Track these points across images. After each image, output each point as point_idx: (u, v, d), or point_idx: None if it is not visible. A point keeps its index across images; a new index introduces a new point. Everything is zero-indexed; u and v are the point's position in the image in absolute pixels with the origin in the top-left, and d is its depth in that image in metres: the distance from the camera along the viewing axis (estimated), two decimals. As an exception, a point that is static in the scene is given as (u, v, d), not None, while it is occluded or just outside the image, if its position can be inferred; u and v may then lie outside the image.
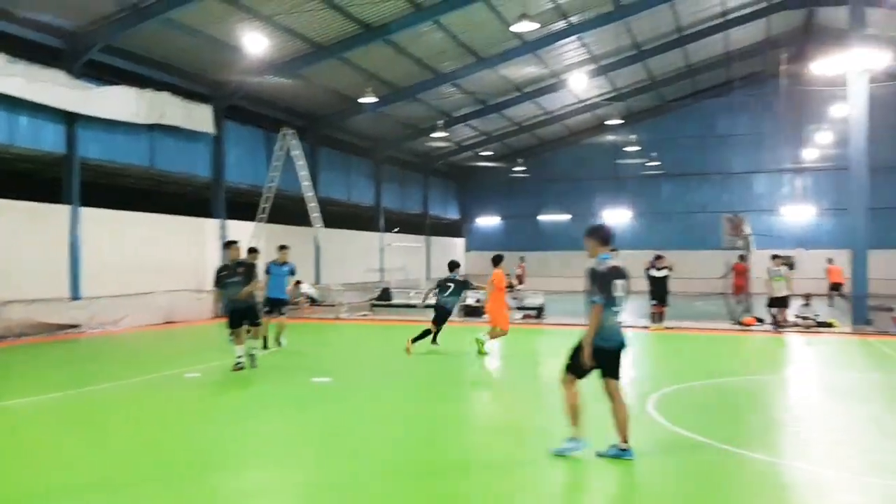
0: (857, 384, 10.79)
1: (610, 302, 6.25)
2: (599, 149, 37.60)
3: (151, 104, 18.58)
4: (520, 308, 21.61)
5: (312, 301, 22.79)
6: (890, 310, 16.86)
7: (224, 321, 11.16)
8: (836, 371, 12.16)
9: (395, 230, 33.79)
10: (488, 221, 41.59)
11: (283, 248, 14.15)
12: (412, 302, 22.86)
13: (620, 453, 6.23)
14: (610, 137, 36.71)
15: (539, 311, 21.26)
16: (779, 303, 17.67)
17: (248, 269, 11.25)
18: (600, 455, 6.28)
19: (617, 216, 38.43)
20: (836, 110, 27.24)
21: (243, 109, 23.15)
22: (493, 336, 13.23)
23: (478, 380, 11.70)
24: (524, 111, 32.56)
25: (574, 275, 37.16)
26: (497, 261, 13.52)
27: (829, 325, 17.71)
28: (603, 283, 6.26)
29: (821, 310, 18.43)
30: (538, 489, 5.73)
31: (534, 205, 39.93)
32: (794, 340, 15.96)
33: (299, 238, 25.67)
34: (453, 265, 14.82)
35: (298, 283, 23.15)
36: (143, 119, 18.40)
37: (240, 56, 19.12)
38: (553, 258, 38.54)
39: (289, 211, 24.99)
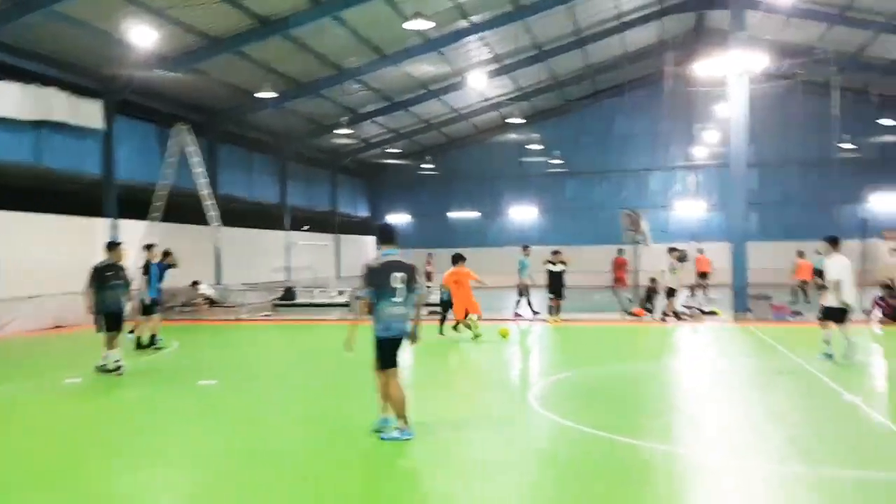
0: (737, 370, 11.41)
1: (387, 294, 6.60)
2: (506, 147, 38.24)
3: (37, 99, 17.73)
4: (426, 305, 21.79)
5: (211, 302, 22.26)
6: (768, 298, 17.89)
7: (97, 325, 10.79)
8: (717, 358, 12.82)
9: (305, 228, 33.35)
10: (398, 219, 41.60)
11: (149, 247, 14.44)
12: (317, 301, 22.73)
13: (402, 434, 6.64)
14: (515, 136, 37.40)
15: (444, 307, 21.44)
16: (671, 294, 18.49)
17: (124, 273, 11.16)
18: (384, 438, 6.67)
19: (523, 213, 39.27)
20: (721, 110, 28.65)
21: (136, 104, 22.33)
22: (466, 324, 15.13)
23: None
24: (431, 109, 32.76)
25: (482, 271, 37.82)
26: (457, 259, 15.68)
27: (714, 313, 18.65)
28: (372, 277, 6.67)
29: (702, 300, 19.33)
30: (401, 483, 5.84)
31: (443, 202, 40.25)
32: (681, 329, 16.73)
33: (198, 237, 25.04)
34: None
35: (196, 283, 22.67)
36: (28, 115, 17.55)
37: (131, 50, 18.42)
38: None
39: (187, 209, 24.28)
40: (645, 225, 35.62)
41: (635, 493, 5.35)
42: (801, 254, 22.22)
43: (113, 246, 11.37)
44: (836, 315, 10.96)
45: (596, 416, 7.72)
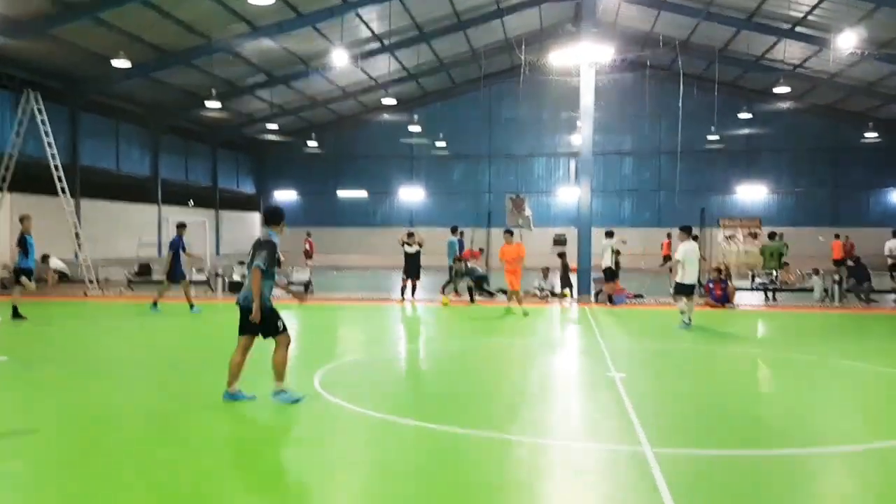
0: (533, 348, 11.89)
1: (271, 269, 7.14)
2: (394, 127, 38.26)
3: None
4: (288, 283, 21.64)
5: (62, 276, 21.39)
6: (612, 281, 18.61)
7: None
8: (521, 335, 13.25)
9: (190, 203, 32.44)
10: (285, 196, 41.00)
11: (23, 219, 14.48)
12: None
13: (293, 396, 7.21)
14: (402, 117, 37.44)
15: (306, 287, 21.36)
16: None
17: None
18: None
19: (412, 194, 39.42)
20: (598, 98, 29.57)
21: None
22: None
23: (188, 357, 11.56)
24: (316, 86, 32.36)
25: (369, 251, 38.01)
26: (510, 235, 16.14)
27: (564, 295, 19.33)
28: (269, 252, 7.08)
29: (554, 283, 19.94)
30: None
31: (332, 181, 39.93)
32: (519, 310, 17.22)
33: (49, 209, 23.96)
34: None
35: (46, 257, 21.68)
36: None
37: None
38: (350, 234, 38.93)
39: (44, 180, 23.20)
40: (528, 209, 36.58)
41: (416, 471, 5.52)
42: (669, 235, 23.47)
43: None
44: (686, 290, 13.15)
45: (380, 400, 7.89)
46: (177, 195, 32.39)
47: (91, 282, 20.83)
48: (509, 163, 38.25)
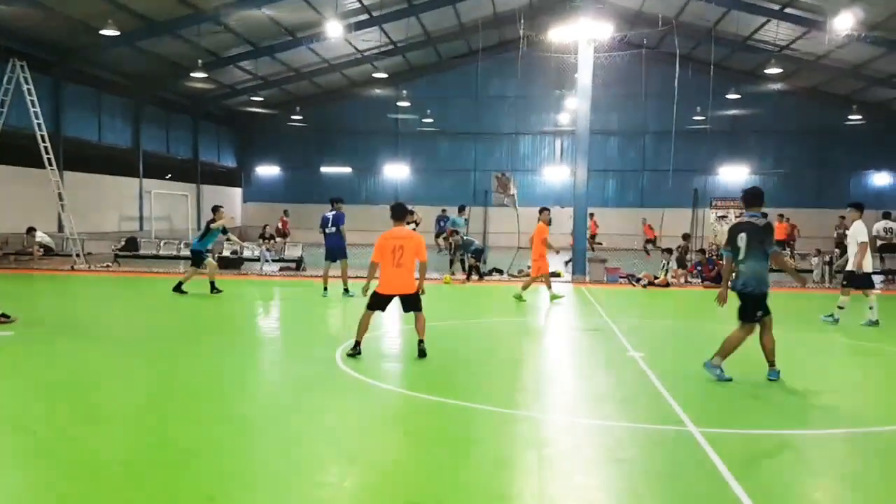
0: (549, 327, 11.92)
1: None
2: (380, 102, 37.82)
3: None
4: (277, 260, 21.43)
5: (48, 250, 20.96)
6: (604, 261, 18.75)
7: None
8: (535, 316, 13.28)
9: (167, 177, 31.90)
10: (268, 171, 40.46)
11: None
12: (162, 253, 21.87)
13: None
14: (389, 92, 37.04)
15: (298, 264, 21.18)
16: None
17: None
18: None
19: (397, 171, 39.10)
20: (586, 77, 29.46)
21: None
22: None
23: (201, 332, 11.39)
24: (301, 57, 31.78)
25: (354, 228, 37.53)
26: (543, 212, 14.26)
27: (557, 274, 19.36)
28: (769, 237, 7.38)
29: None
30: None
31: (316, 156, 39.38)
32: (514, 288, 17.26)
33: (32, 180, 23.47)
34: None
35: (32, 230, 21.26)
36: None
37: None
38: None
39: (27, 151, 22.61)
40: (514, 188, 36.53)
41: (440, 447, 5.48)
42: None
43: None
44: (865, 282, 11.73)
45: (401, 377, 7.86)
46: (158, 168, 31.80)
47: (78, 255, 20.40)
48: (495, 141, 38.07)
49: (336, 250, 14.81)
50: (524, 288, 14.55)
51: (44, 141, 20.24)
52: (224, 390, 7.16)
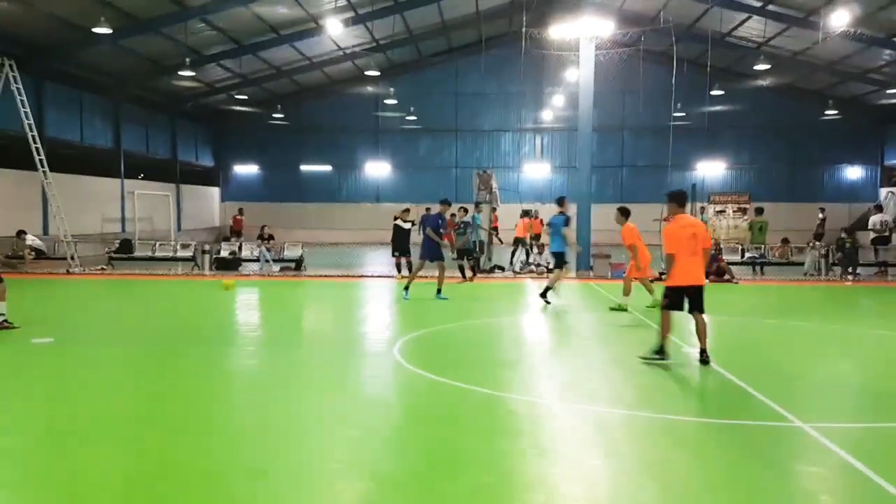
0: (579, 324, 12.06)
1: None
2: (360, 100, 37.63)
3: None
4: (277, 260, 21.22)
5: (38, 254, 20.41)
6: (608, 257, 18.99)
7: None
8: (565, 312, 13.42)
9: (140, 176, 31.26)
10: (246, 170, 39.91)
11: None
12: (158, 255, 21.48)
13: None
14: (370, 89, 36.86)
15: (298, 264, 21.01)
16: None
17: None
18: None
19: (377, 169, 38.94)
20: (569, 74, 29.75)
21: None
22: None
23: (225, 334, 11.26)
24: (282, 55, 31.43)
25: (338, 226, 37.45)
26: (625, 214, 12.82)
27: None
28: None
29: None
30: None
31: (294, 154, 38.95)
32: (529, 286, 17.43)
33: (21, 183, 22.86)
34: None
35: (22, 233, 20.70)
36: None
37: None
38: (314, 209, 38.26)
39: (8, 153, 22.00)
40: (495, 185, 36.67)
41: (501, 440, 5.52)
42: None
43: None
44: None
45: (458, 371, 7.87)
46: (138, 168, 31.15)
47: (72, 258, 19.91)
48: (476, 138, 38.19)
49: (436, 251, 14.50)
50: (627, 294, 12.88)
51: (35, 142, 19.70)
52: (345, 398, 7.12)
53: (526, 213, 22.59)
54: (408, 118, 37.27)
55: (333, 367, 8.41)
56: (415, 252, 18.68)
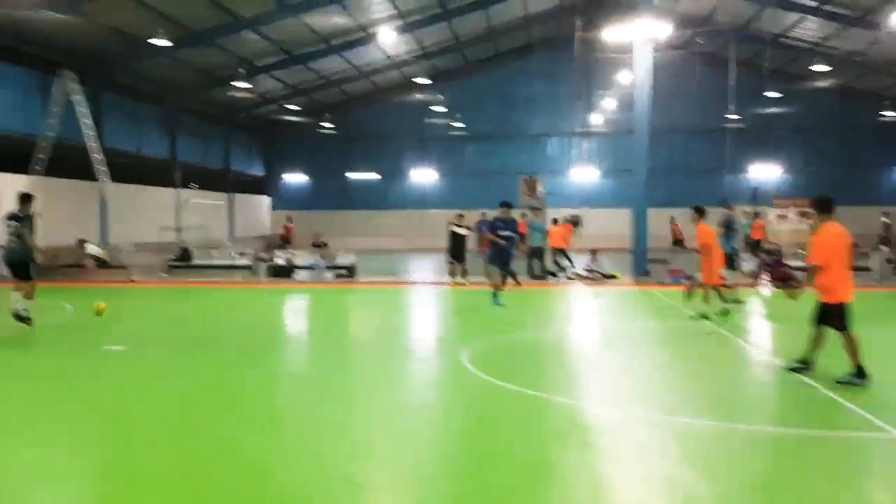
0: (643, 331, 11.85)
1: None
2: (406, 108, 37.82)
3: None
4: (331, 267, 21.35)
5: (100, 262, 20.91)
6: (666, 262, 18.67)
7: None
8: (622, 319, 13.25)
9: (192, 185, 31.79)
10: (295, 179, 40.43)
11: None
12: (217, 263, 21.82)
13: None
14: (416, 97, 37.03)
15: (351, 270, 21.11)
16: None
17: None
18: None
19: (423, 175, 39.06)
20: (622, 77, 29.40)
21: (13, 49, 20.36)
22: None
23: (293, 341, 11.37)
24: (332, 65, 31.78)
25: (384, 233, 37.66)
26: (701, 213, 11.89)
27: (614, 276, 19.31)
28: None
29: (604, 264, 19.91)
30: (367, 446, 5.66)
31: (342, 162, 39.29)
32: (585, 291, 17.25)
33: (82, 193, 23.44)
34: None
35: (83, 242, 21.24)
36: None
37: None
38: (361, 217, 38.52)
39: (71, 163, 22.58)
40: (541, 190, 36.43)
41: (574, 450, 5.42)
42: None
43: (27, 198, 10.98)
44: None
45: (532, 379, 7.79)
46: (193, 177, 31.71)
47: (132, 267, 20.34)
48: (522, 142, 37.99)
49: (503, 256, 14.37)
50: (724, 300, 12.29)
51: (96, 153, 20.20)
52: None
53: (574, 222, 22.05)
54: (454, 124, 37.28)
55: (409, 377, 8.40)
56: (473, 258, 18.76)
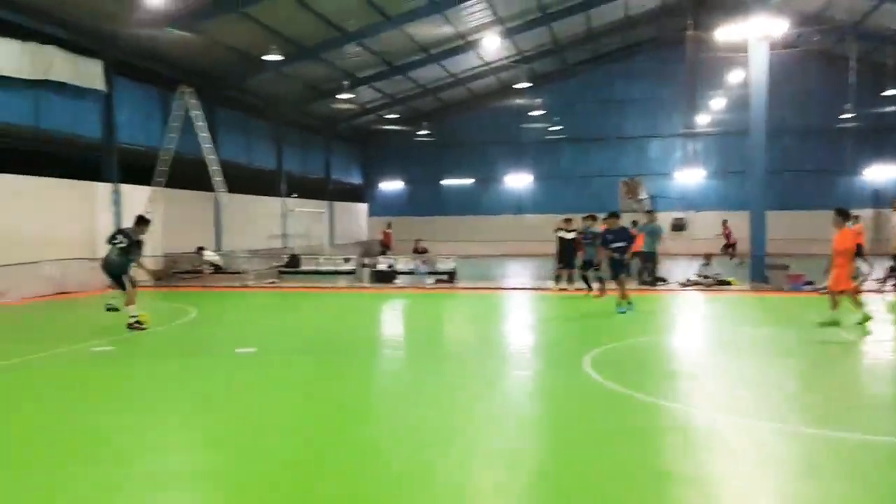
0: (764, 338, 11.32)
1: None
2: (502, 113, 37.80)
3: (36, 58, 16.97)
4: (431, 273, 21.53)
5: (216, 268, 21.83)
6: (786, 268, 17.83)
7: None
8: (742, 326, 12.71)
9: (293, 195, 32.81)
10: (391, 186, 41.08)
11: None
12: (322, 268, 22.38)
13: None
14: (515, 101, 36.95)
15: (451, 276, 21.21)
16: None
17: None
18: None
19: (518, 180, 38.90)
20: (732, 77, 28.45)
21: (136, 66, 21.57)
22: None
23: (405, 344, 11.48)
24: (430, 73, 32.12)
25: (478, 239, 37.72)
26: (846, 216, 11.10)
27: (729, 283, 18.59)
28: None
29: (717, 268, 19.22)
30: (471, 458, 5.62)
31: (436, 169, 39.70)
32: (699, 297, 16.69)
33: (197, 203, 24.53)
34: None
35: (201, 249, 22.25)
36: (28, 74, 16.80)
37: (131, 7, 17.75)
38: (454, 223, 38.71)
39: (186, 175, 23.70)
40: (643, 193, 35.55)
41: (715, 461, 5.19)
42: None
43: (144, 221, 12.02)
44: None
45: (660, 388, 7.59)
46: (295, 187, 32.72)
47: (247, 272, 21.12)
48: (622, 145, 37.28)
49: (617, 267, 14.21)
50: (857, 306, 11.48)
51: (214, 165, 21.12)
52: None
53: (679, 227, 21.28)
54: (555, 128, 36.98)
55: (535, 384, 8.32)
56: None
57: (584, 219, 18.06)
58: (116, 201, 20.21)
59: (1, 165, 17.28)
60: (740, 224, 29.79)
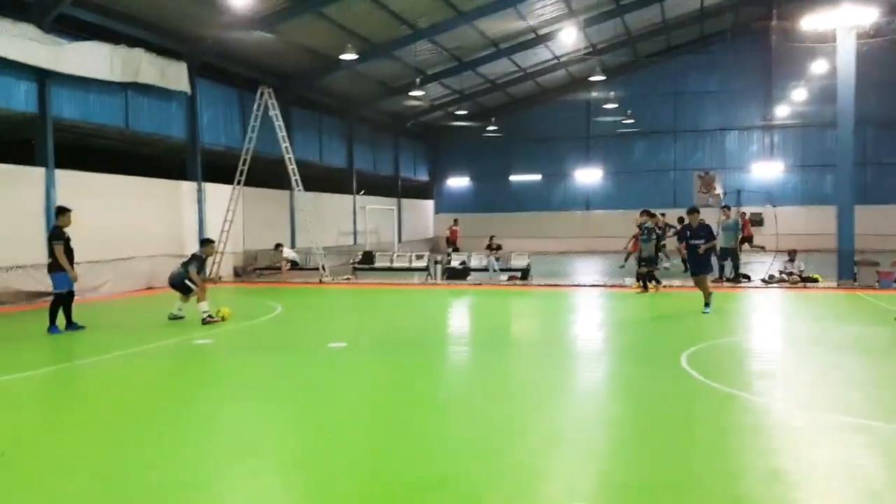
0: (865, 336, 10.91)
1: None
2: (570, 107, 37.45)
3: (125, 61, 17.62)
4: (504, 270, 21.50)
5: (294, 265, 22.33)
6: (875, 264, 17.16)
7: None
8: (838, 323, 12.28)
9: (361, 192, 33.30)
10: (457, 183, 41.13)
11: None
12: (396, 265, 22.62)
13: None
14: (584, 95, 36.58)
15: (525, 273, 21.14)
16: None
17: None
18: None
19: (587, 175, 38.43)
20: (815, 67, 27.48)
21: (215, 67, 22.19)
22: None
23: (492, 341, 11.49)
24: (499, 68, 32.01)
25: (546, 235, 37.41)
26: None
27: (815, 280, 17.99)
28: None
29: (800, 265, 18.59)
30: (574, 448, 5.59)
31: (504, 165, 39.50)
32: (785, 295, 16.21)
33: (274, 201, 25.10)
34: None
35: (279, 246, 22.79)
36: (119, 77, 17.45)
37: (215, 9, 18.27)
38: (522, 219, 38.48)
39: (261, 173, 24.30)
40: (719, 187, 34.62)
41: (837, 463, 5.03)
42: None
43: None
44: None
45: (763, 387, 7.43)
46: (365, 184, 33.16)
47: (323, 268, 21.52)
48: (697, 138, 36.42)
49: (698, 265, 13.78)
50: None
51: (291, 163, 21.58)
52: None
53: (756, 222, 20.57)
54: (624, 122, 36.42)
55: (635, 382, 8.24)
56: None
57: (641, 214, 17.92)
58: (200, 199, 20.86)
59: (94, 165, 18.05)
60: (820, 218, 28.98)
